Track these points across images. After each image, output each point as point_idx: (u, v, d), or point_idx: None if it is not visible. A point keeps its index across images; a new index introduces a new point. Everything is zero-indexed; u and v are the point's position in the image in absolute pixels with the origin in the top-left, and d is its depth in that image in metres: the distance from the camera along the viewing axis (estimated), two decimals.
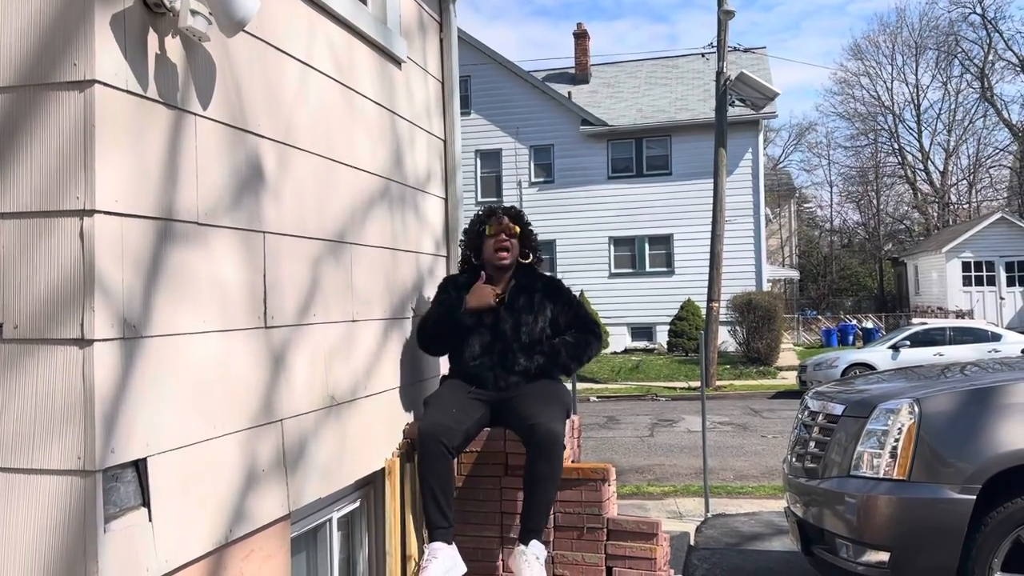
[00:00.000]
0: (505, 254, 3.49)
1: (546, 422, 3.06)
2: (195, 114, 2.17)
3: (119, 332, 1.86)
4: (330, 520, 2.98)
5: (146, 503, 1.93)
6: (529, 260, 3.61)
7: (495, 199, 24.36)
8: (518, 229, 3.54)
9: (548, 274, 3.69)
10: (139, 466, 1.92)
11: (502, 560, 3.30)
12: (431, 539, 3.02)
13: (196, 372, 2.13)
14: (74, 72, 1.82)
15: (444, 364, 3.83)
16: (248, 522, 2.30)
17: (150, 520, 1.93)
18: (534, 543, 3.07)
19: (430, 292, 3.72)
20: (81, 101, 1.82)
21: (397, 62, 3.49)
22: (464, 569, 3.05)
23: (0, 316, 1.84)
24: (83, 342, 1.79)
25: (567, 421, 3.36)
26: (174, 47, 2.10)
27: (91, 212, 1.80)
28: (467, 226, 3.68)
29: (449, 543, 3.02)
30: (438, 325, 3.42)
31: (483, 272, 3.52)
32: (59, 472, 1.79)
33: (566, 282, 3.82)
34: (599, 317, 21.61)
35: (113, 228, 1.85)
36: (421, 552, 3.17)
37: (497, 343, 3.35)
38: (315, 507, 2.81)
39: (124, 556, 1.84)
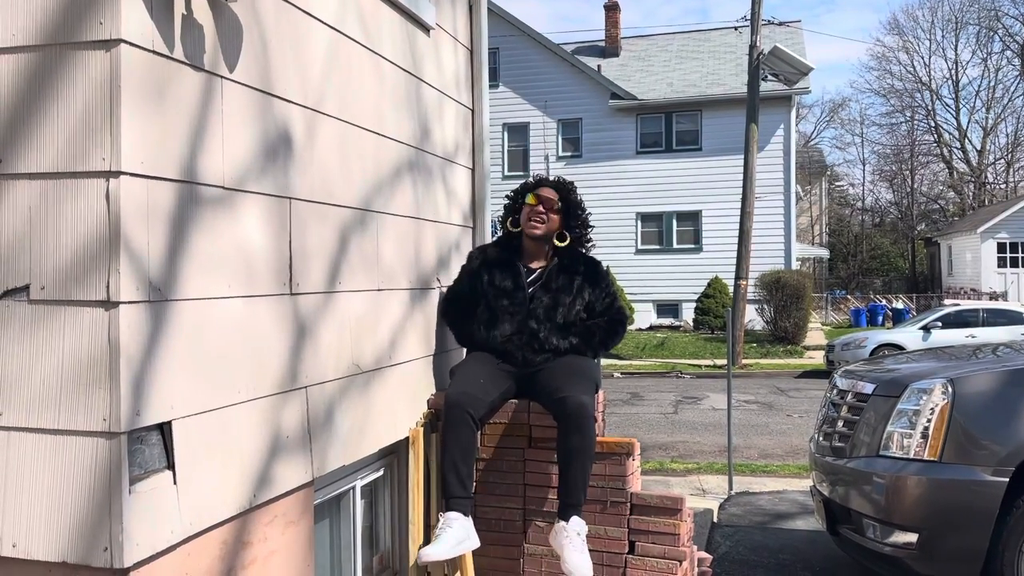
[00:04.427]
0: (538, 226, 3.31)
1: (576, 395, 3.00)
2: (222, 77, 2.15)
3: (144, 295, 1.85)
4: (353, 488, 2.99)
5: (171, 466, 1.93)
6: (565, 243, 3.37)
7: (522, 173, 24.25)
8: (559, 203, 3.34)
9: (591, 256, 3.48)
10: (164, 429, 1.92)
11: (524, 532, 3.30)
12: (448, 508, 2.97)
13: (221, 337, 2.12)
14: (100, 31, 1.80)
15: None
16: (272, 487, 2.31)
17: (175, 483, 1.93)
18: (575, 519, 3.00)
19: (456, 264, 3.69)
20: (107, 61, 1.80)
21: (426, 29, 3.44)
22: (477, 543, 3.00)
23: (27, 277, 1.84)
24: (109, 304, 1.79)
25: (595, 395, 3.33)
26: (201, 8, 2.07)
27: (116, 174, 1.79)
28: (513, 190, 3.50)
29: (466, 515, 2.97)
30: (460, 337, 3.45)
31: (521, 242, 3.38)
32: (85, 433, 1.80)
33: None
34: (624, 293, 21.53)
35: (138, 190, 1.84)
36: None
37: (529, 322, 3.24)
38: (339, 475, 2.81)
39: (149, 518, 1.84)
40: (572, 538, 2.94)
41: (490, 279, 3.33)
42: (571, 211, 3.39)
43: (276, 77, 2.39)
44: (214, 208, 2.11)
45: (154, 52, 1.89)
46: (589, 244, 3.49)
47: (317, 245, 2.59)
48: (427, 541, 3.20)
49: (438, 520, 3.02)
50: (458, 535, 2.90)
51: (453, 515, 2.94)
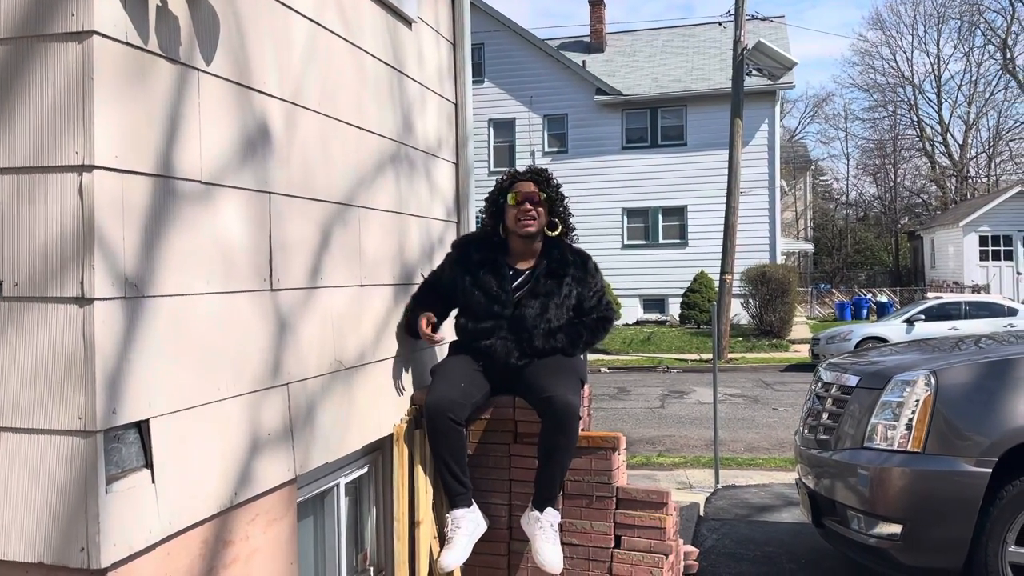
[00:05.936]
0: (531, 223, 3.18)
1: (562, 394, 2.98)
2: (198, 69, 2.11)
3: (120, 291, 1.82)
4: (337, 485, 2.97)
5: (149, 464, 1.90)
6: (557, 232, 3.27)
7: (508, 169, 24.16)
8: (542, 195, 3.22)
9: (579, 248, 3.37)
10: (141, 427, 1.89)
11: (510, 527, 3.28)
12: (452, 506, 3.08)
13: (200, 333, 2.09)
14: (72, 23, 1.76)
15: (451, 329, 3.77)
16: (253, 485, 2.28)
17: (153, 482, 1.91)
18: (549, 510, 3.10)
19: (440, 259, 3.66)
20: (79, 53, 1.76)
21: (408, 22, 3.42)
22: (486, 525, 3.15)
23: (0, 273, 1.81)
24: (83, 301, 1.76)
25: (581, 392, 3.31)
26: None
27: (90, 168, 1.76)
28: (488, 194, 3.37)
29: (469, 506, 3.09)
30: (407, 329, 3.30)
31: (506, 242, 3.26)
32: (60, 432, 1.76)
33: None
34: (611, 289, 21.54)
35: (113, 185, 1.81)
36: (438, 519, 3.19)
37: (516, 327, 3.17)
38: (322, 472, 2.79)
39: (126, 517, 1.81)
40: (545, 529, 3.05)
41: (474, 281, 3.22)
42: (555, 197, 3.28)
43: (254, 70, 2.35)
44: (191, 203, 2.08)
45: (128, 44, 1.86)
46: (574, 233, 3.41)
47: (298, 240, 2.56)
48: (412, 538, 3.18)
49: (439, 519, 3.12)
50: (468, 530, 3.04)
51: (459, 512, 3.06)
